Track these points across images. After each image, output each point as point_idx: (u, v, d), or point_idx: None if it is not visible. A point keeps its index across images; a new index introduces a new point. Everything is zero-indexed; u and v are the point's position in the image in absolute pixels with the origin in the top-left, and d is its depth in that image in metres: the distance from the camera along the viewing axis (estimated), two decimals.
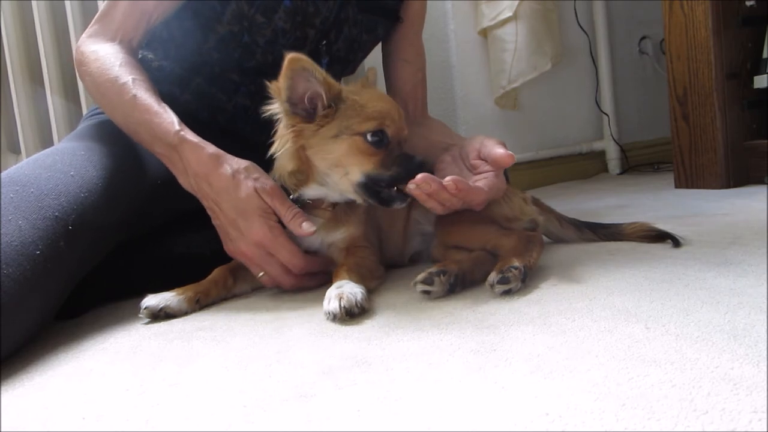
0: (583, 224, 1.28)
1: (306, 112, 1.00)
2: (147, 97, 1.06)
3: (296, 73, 0.96)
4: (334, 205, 1.08)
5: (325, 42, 1.28)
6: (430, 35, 2.01)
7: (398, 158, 1.00)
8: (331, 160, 1.01)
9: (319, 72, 0.97)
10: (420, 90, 1.41)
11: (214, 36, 1.22)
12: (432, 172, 0.98)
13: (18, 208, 0.91)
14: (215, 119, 1.29)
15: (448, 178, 0.93)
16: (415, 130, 1.17)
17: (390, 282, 1.08)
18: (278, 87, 0.98)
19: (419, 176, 0.93)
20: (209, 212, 1.05)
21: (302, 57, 0.95)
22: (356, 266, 1.01)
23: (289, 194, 1.05)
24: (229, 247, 1.04)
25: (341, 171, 1.01)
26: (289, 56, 0.94)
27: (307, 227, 1.00)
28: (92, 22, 1.18)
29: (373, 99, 1.03)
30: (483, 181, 1.00)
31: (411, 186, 0.94)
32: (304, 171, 1.04)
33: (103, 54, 1.12)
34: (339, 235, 1.08)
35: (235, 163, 1.02)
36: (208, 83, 1.28)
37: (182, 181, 1.06)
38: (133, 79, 1.08)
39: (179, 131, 1.03)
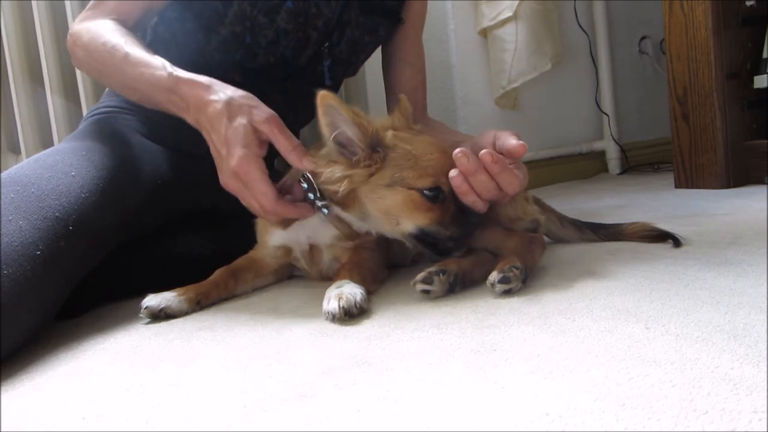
0: (584, 224, 1.28)
1: (352, 154, 0.95)
2: (138, 51, 1.06)
3: (328, 110, 0.91)
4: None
5: (327, 44, 1.28)
6: (430, 35, 2.01)
7: (456, 216, 0.96)
8: (383, 208, 0.97)
9: (347, 111, 0.92)
10: (420, 91, 1.41)
11: (216, 37, 1.22)
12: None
13: (19, 208, 0.91)
14: None
15: (484, 151, 0.91)
16: None
17: (390, 282, 1.08)
18: (323, 126, 0.93)
19: (458, 150, 0.91)
20: (208, 144, 1.01)
21: (329, 94, 0.91)
22: (358, 266, 1.00)
23: (317, 193, 1.00)
24: (221, 179, 1.01)
25: (393, 220, 0.98)
26: (319, 93, 0.90)
27: (307, 163, 0.96)
28: (85, 9, 1.19)
29: (426, 151, 0.96)
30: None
31: (452, 173, 0.92)
32: (350, 200, 0.99)
33: (94, 26, 1.12)
34: (351, 243, 1.08)
35: (230, 92, 0.98)
36: None
37: (189, 119, 1.03)
38: (125, 41, 1.08)
39: (171, 73, 1.02)
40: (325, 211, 1.01)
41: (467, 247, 1.00)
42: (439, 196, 0.95)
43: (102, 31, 1.11)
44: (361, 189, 0.97)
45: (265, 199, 0.96)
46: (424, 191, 0.94)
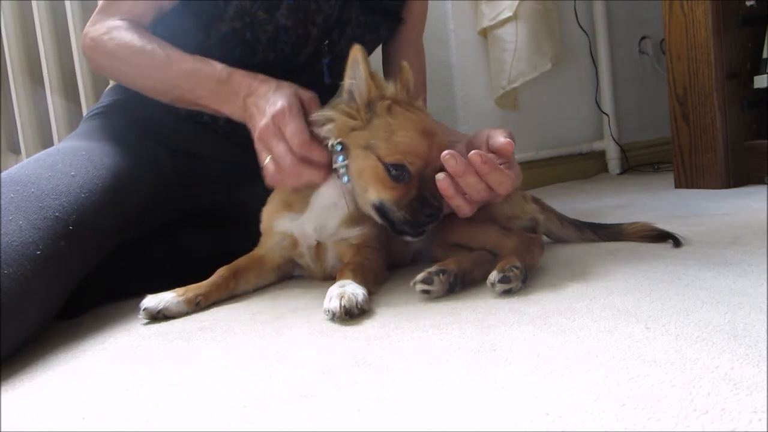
0: (584, 224, 1.28)
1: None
2: (178, 52, 1.12)
3: (354, 62, 0.97)
4: None
5: (327, 41, 1.28)
6: (430, 35, 2.00)
7: (413, 202, 0.97)
8: (358, 170, 0.99)
9: (366, 67, 0.98)
10: (421, 92, 1.41)
11: (215, 34, 1.22)
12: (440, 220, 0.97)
13: (19, 208, 0.91)
14: (216, 121, 1.28)
15: (472, 152, 0.93)
16: None
17: (390, 282, 1.08)
18: (346, 75, 1.00)
19: (446, 152, 0.94)
20: (251, 124, 1.05)
21: (362, 49, 0.97)
22: (361, 267, 1.00)
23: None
24: (255, 134, 1.04)
25: (363, 185, 1.00)
26: (354, 46, 0.97)
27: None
28: (95, 12, 1.19)
29: (404, 127, 0.97)
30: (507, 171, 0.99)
31: (439, 176, 0.94)
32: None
33: (117, 34, 1.15)
34: (355, 232, 1.08)
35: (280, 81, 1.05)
36: None
37: (230, 109, 1.08)
38: (159, 44, 1.13)
39: (225, 67, 1.09)
40: (346, 178, 1.02)
41: (423, 235, 1.00)
42: (403, 175, 0.96)
43: (129, 37, 1.14)
44: (348, 144, 1.00)
45: (298, 137, 0.98)
46: (389, 167, 0.96)
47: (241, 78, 1.07)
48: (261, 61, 1.25)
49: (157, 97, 1.18)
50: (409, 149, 0.96)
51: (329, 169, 1.02)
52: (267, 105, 1.01)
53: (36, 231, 0.90)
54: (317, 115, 1.01)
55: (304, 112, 1.01)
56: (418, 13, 1.41)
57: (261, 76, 1.06)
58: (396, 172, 0.96)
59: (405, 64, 1.09)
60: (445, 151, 0.93)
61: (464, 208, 0.98)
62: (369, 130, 0.98)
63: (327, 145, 1.01)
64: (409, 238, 1.01)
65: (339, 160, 1.01)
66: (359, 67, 0.98)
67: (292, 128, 0.98)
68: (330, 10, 1.24)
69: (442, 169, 0.96)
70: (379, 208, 0.99)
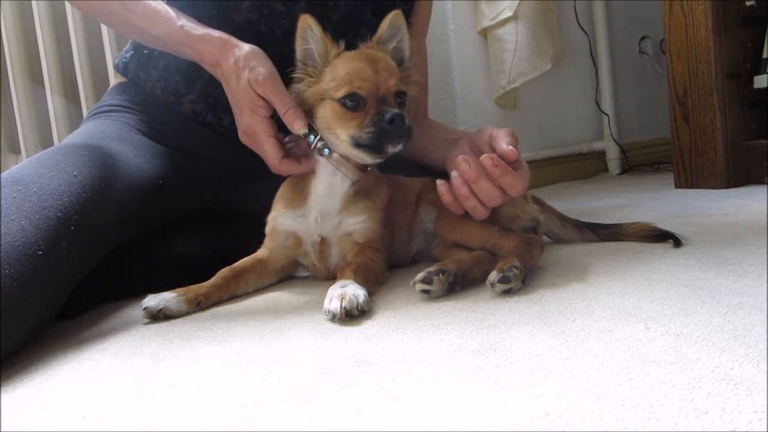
0: (584, 224, 1.28)
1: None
2: None
3: (304, 30, 1.02)
4: (365, 168, 1.09)
5: (341, 41, 1.28)
6: (430, 35, 2.00)
7: (373, 117, 0.98)
8: (323, 123, 1.03)
9: (320, 30, 1.02)
10: (422, 93, 1.42)
11: (229, 24, 1.21)
12: (410, 131, 0.99)
13: (21, 208, 0.91)
14: (219, 121, 1.28)
15: (483, 156, 0.94)
16: (419, 131, 1.17)
17: (390, 282, 1.08)
18: (296, 45, 1.04)
19: (460, 156, 0.96)
20: (232, 108, 1.09)
21: (309, 16, 1.01)
22: (363, 267, 1.00)
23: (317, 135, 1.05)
24: (239, 134, 1.09)
25: (332, 133, 1.03)
26: (301, 16, 1.01)
27: (298, 126, 1.02)
28: None
29: (346, 60, 1.03)
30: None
31: (453, 173, 0.97)
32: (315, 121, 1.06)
33: None
34: (358, 224, 1.08)
35: (237, 51, 1.04)
36: (214, 83, 1.27)
37: (204, 66, 1.10)
38: None
39: (182, 27, 1.06)
40: (327, 150, 1.05)
41: (402, 140, 1.00)
42: (357, 103, 0.99)
43: None
44: (312, 106, 1.04)
45: (271, 158, 1.05)
46: (342, 100, 1.00)
47: (199, 45, 1.06)
48: (274, 54, 1.25)
49: (138, 41, 1.17)
50: (352, 77, 1.00)
51: (312, 158, 1.07)
52: (235, 104, 1.04)
53: (38, 231, 0.90)
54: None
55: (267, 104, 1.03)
56: (422, 17, 1.43)
57: (216, 40, 1.05)
58: (351, 103, 0.99)
59: (393, 13, 1.10)
60: (460, 156, 0.96)
61: (479, 210, 0.99)
62: (321, 82, 1.03)
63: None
64: (391, 149, 1.00)
65: (311, 140, 1.05)
66: (313, 30, 1.02)
67: (267, 151, 1.04)
68: (346, 9, 1.25)
69: (396, 92, 1.01)
70: (353, 142, 1.01)
